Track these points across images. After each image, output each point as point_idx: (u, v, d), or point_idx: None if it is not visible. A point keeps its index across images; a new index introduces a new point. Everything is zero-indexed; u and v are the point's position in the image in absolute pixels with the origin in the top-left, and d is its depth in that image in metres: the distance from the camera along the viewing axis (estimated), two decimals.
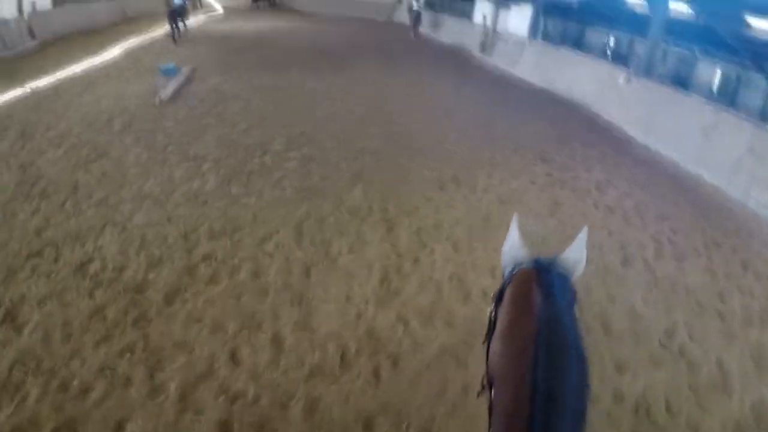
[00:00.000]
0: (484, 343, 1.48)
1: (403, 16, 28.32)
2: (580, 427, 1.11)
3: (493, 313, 1.44)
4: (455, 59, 20.76)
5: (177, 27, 19.87)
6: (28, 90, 12.96)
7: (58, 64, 15.52)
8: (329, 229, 6.66)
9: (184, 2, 21.70)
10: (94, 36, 20.80)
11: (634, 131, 11.69)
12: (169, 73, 14.34)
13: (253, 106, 11.83)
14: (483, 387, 1.40)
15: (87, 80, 13.97)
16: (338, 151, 9.33)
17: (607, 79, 13.74)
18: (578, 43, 16.96)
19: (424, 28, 26.20)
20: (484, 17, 21.24)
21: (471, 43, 22.14)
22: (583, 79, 14.77)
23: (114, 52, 18.03)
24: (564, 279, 1.37)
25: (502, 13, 20.56)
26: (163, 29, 22.23)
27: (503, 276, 1.50)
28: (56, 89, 13.01)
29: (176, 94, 12.56)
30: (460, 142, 10.34)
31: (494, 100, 14.17)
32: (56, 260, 5.75)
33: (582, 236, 1.52)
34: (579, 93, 14.51)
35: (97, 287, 5.30)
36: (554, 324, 1.19)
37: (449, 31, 24.88)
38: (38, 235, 6.21)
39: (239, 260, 5.90)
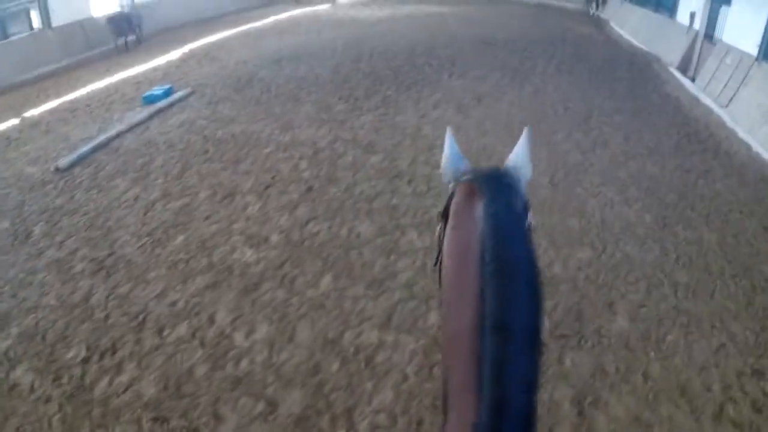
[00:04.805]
0: (435, 265, 1.31)
1: None
2: (533, 351, 0.93)
3: (441, 233, 1.27)
4: (637, 75, 12.83)
5: None
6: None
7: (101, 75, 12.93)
8: None
9: None
10: (189, 30, 18.83)
11: None
12: (154, 100, 10.54)
13: (117, 195, 6.59)
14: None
15: (69, 111, 10.51)
16: None
17: None
18: None
19: (616, 25, 18.17)
20: (692, 15, 12.89)
21: (667, 51, 13.89)
22: None
23: (175, 55, 15.12)
24: (509, 187, 1.15)
25: (721, 11, 11.99)
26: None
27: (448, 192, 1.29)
28: (19, 129, 9.91)
29: (98, 150, 8.43)
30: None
31: (675, 185, 6.97)
32: None
33: (524, 138, 1.35)
34: None
35: None
36: (499, 235, 1.01)
37: (640, 30, 16.60)
38: None
39: None
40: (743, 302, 4.98)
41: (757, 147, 8.58)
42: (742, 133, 9.16)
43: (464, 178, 1.22)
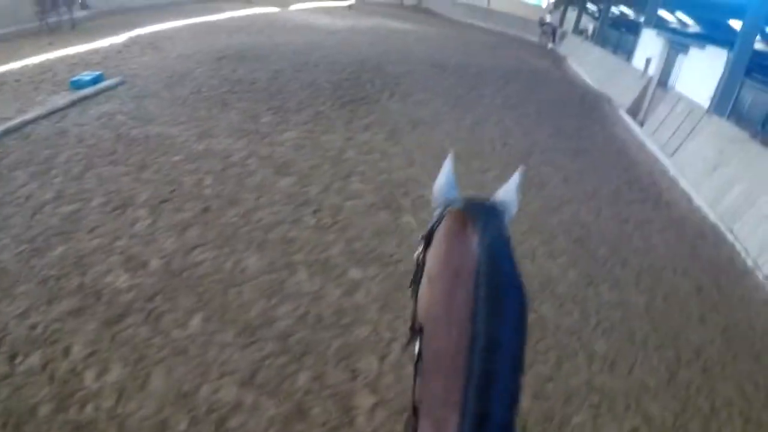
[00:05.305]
0: (410, 287, 1.36)
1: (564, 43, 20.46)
2: (518, 369, 0.95)
3: (422, 257, 1.29)
4: (586, 114, 12.70)
5: None
6: None
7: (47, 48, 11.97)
8: None
9: None
10: (142, 14, 17.77)
11: None
12: (82, 86, 9.67)
13: None
14: (412, 334, 1.28)
15: None
16: None
17: None
18: None
19: (574, 63, 18.10)
20: (648, 61, 12.78)
21: (620, 93, 13.74)
22: None
23: (120, 39, 14.11)
24: (497, 219, 1.17)
25: (677, 59, 11.87)
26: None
27: (433, 217, 1.31)
28: None
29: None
30: None
31: (609, 236, 6.47)
32: None
33: (515, 177, 1.36)
34: None
35: None
36: (493, 260, 1.03)
37: (596, 69, 16.49)
38: None
39: None
40: (665, 377, 4.50)
41: (698, 200, 8.29)
42: (684, 185, 8.90)
43: (455, 205, 1.22)
